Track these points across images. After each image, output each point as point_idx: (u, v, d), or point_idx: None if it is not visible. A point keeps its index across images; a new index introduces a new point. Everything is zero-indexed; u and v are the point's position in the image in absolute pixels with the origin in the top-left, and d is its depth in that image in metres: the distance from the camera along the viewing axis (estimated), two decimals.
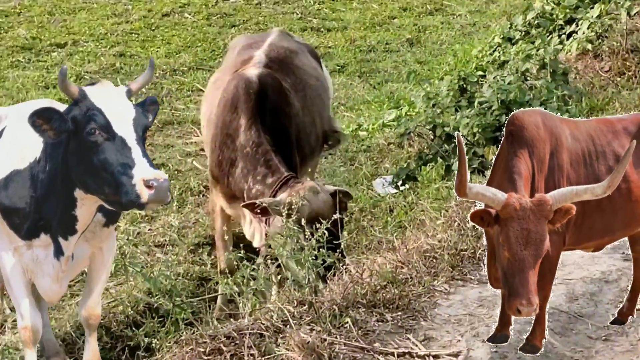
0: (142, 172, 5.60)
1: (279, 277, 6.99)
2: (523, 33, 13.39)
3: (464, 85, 10.11)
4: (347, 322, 6.38)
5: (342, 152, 11.59)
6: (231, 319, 6.71)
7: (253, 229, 7.64)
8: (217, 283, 7.35)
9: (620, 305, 6.83)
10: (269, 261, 7.41)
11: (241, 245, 7.42)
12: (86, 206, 6.16)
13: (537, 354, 6.30)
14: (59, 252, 6.40)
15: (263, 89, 7.70)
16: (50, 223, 6.32)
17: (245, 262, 6.90)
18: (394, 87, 14.51)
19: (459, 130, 9.19)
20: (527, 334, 6.33)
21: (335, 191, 7.51)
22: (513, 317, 6.31)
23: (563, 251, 6.36)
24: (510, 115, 6.41)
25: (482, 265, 7.30)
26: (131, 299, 7.95)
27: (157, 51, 15.87)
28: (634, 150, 5.92)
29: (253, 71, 7.90)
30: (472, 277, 7.22)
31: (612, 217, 6.34)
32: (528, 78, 10.24)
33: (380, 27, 17.64)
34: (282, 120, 7.87)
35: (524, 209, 5.63)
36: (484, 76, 11.66)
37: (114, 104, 5.85)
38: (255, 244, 7.67)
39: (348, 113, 13.33)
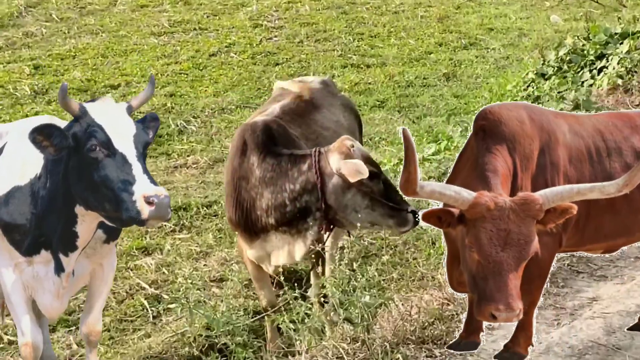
0: (142, 189, 5.52)
1: (332, 314, 7.08)
2: (555, 69, 13.49)
3: None
4: (399, 358, 6.48)
5: None
6: (288, 356, 6.84)
7: (287, 251, 7.61)
8: (273, 321, 7.43)
9: None
10: (322, 299, 7.51)
11: (295, 282, 7.55)
12: (87, 222, 6.09)
13: None
14: (59, 269, 6.33)
15: (268, 131, 7.56)
16: (50, 239, 6.22)
17: (299, 300, 7.03)
18: (432, 121, 14.54)
19: None
20: (507, 341, 6.03)
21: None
22: (486, 323, 5.92)
23: (561, 253, 5.92)
24: (481, 109, 5.86)
25: None
26: (191, 335, 8.04)
27: (206, 90, 16.03)
28: None
29: (258, 119, 7.86)
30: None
31: (630, 218, 5.84)
32: None
33: (417, 62, 17.77)
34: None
35: (501, 209, 5.06)
36: None
37: (115, 121, 5.75)
38: (298, 258, 7.52)
39: (389, 147, 13.37)
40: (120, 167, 5.61)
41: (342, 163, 7.03)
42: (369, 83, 16.54)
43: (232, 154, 7.71)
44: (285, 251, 7.52)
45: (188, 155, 13.30)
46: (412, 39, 18.96)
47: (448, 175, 10.03)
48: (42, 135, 5.73)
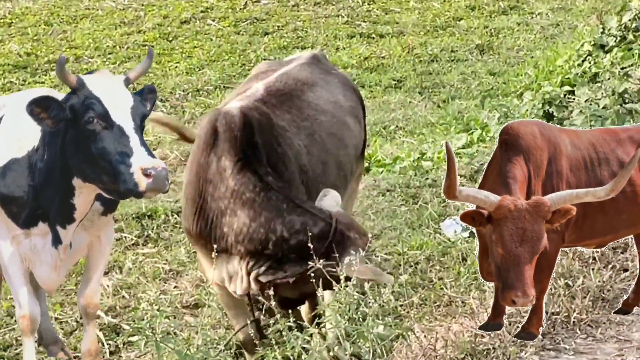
0: (140, 161, 6.43)
1: (336, 349, 7.08)
2: (618, 39, 13.45)
3: (550, 110, 10.21)
4: None
5: (403, 188, 11.62)
6: None
7: (246, 282, 7.60)
8: (262, 357, 7.45)
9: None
10: (323, 330, 7.49)
11: (290, 312, 7.54)
12: (84, 195, 7.03)
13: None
14: (57, 241, 7.28)
15: (247, 124, 7.45)
16: (48, 212, 7.19)
17: (295, 332, 7.03)
18: (462, 106, 14.64)
19: None
20: (523, 323, 7.70)
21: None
22: (508, 308, 7.70)
23: (563, 248, 7.93)
24: (504, 125, 7.90)
25: (578, 331, 7.47)
26: None
27: (176, 67, 16.11)
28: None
29: (235, 104, 7.78)
30: (567, 346, 7.50)
31: (616, 218, 7.84)
32: (627, 100, 10.32)
33: (443, 30, 17.91)
34: (275, 160, 7.84)
35: (519, 210, 6.96)
36: (572, 92, 11.75)
37: (112, 93, 6.73)
38: (256, 291, 7.66)
39: (408, 138, 13.40)
40: (118, 140, 6.57)
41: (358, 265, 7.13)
42: (383, 57, 16.63)
43: (199, 148, 7.62)
44: (244, 281, 7.55)
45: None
46: (437, 2, 19.05)
47: (482, 174, 10.31)
48: (39, 108, 6.66)
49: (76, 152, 6.79)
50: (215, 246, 7.42)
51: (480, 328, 7.88)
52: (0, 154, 7.34)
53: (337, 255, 7.13)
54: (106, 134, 6.60)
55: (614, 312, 8.43)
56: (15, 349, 8.79)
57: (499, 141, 7.80)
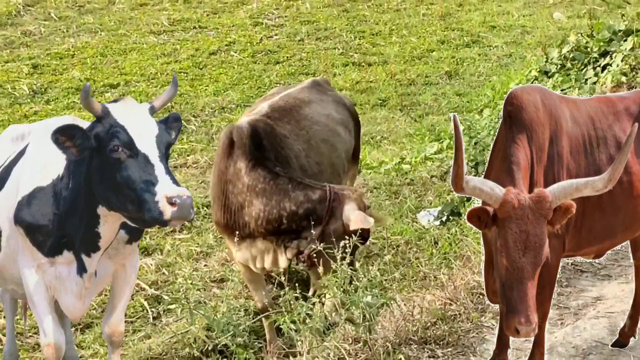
0: (165, 189, 5.53)
1: (333, 314, 7.07)
2: (559, 66, 13.45)
3: None
4: (401, 359, 6.48)
5: (387, 186, 11.64)
6: (290, 357, 6.85)
7: (272, 257, 7.62)
8: (275, 321, 7.42)
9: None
10: (324, 299, 7.49)
11: (296, 282, 7.56)
12: (109, 223, 6.11)
13: None
14: (82, 269, 6.34)
15: (255, 133, 7.60)
16: (73, 240, 6.23)
17: (301, 301, 7.03)
18: (434, 120, 14.57)
19: None
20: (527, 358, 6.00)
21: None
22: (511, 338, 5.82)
23: (562, 258, 5.81)
24: (509, 92, 5.74)
25: None
26: (191, 335, 8.03)
27: (206, 89, 16.03)
28: (635, 135, 5.16)
29: (244, 119, 7.88)
30: None
31: (614, 217, 5.76)
32: None
33: (419, 60, 17.79)
34: (281, 161, 7.86)
35: (523, 207, 5.00)
36: None
37: (137, 121, 5.80)
38: (283, 265, 7.66)
39: (391, 146, 13.39)
40: (143, 168, 5.63)
41: (354, 212, 7.22)
42: (371, 81, 16.54)
43: (219, 156, 7.74)
44: (270, 257, 7.61)
45: (188, 155, 13.27)
46: (414, 37, 19.00)
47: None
48: (64, 136, 5.75)
49: (101, 180, 5.84)
50: (237, 232, 7.47)
51: None
52: (26, 183, 6.35)
53: (338, 210, 7.32)
54: (131, 163, 5.66)
55: (611, 346, 6.64)
56: None
57: (503, 113, 5.66)
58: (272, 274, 8.13)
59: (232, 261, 8.57)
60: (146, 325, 8.75)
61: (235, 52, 17.90)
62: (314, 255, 7.14)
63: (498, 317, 6.41)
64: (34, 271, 6.41)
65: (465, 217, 5.28)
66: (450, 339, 6.87)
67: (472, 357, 6.71)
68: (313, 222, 7.32)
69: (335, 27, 19.33)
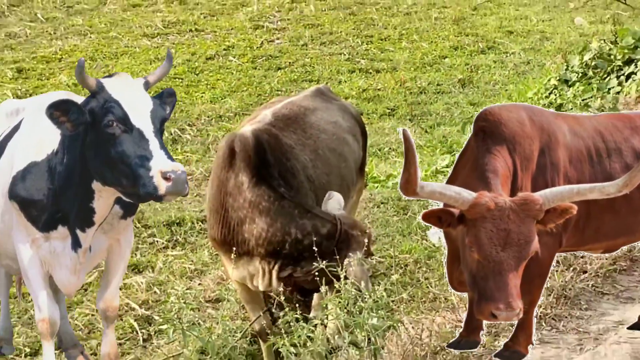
0: (159, 164, 5.78)
1: (336, 337, 7.05)
2: (580, 74, 13.46)
3: None
4: None
5: (395, 201, 11.64)
6: None
7: (267, 279, 7.57)
8: (273, 344, 7.42)
9: None
10: (326, 321, 7.48)
11: (297, 304, 7.54)
12: (104, 198, 6.40)
13: None
14: (76, 244, 6.66)
15: (259, 145, 7.59)
16: (67, 215, 6.53)
17: (301, 323, 7.02)
18: (446, 131, 14.54)
19: None
20: (507, 340, 6.36)
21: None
22: (486, 322, 6.27)
23: (562, 252, 6.37)
24: (481, 111, 6.26)
25: (543, 324, 7.42)
26: (184, 359, 7.99)
27: (202, 96, 16.02)
28: None
29: (247, 128, 7.88)
30: (535, 338, 7.19)
31: (630, 218, 6.25)
32: None
33: (430, 67, 17.79)
34: (285, 173, 7.81)
35: (502, 209, 5.47)
36: None
37: (132, 96, 6.01)
38: (276, 287, 7.59)
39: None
40: (137, 143, 5.88)
41: (356, 268, 7.20)
42: (379, 89, 16.53)
43: (219, 166, 7.69)
44: (266, 279, 7.59)
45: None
46: (425, 42, 19.01)
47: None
48: (59, 111, 5.99)
49: (95, 155, 6.12)
50: (234, 249, 7.47)
51: (449, 346, 6.76)
52: (20, 158, 6.66)
53: (343, 252, 7.25)
54: (125, 138, 5.91)
55: (628, 328, 7.14)
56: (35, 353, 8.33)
57: (474, 129, 6.15)
58: (272, 294, 8.11)
59: (228, 280, 8.56)
60: (136, 348, 8.76)
61: (234, 57, 17.92)
62: (299, 279, 7.29)
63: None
64: (28, 246, 6.73)
65: (421, 217, 5.88)
66: None
67: (471, 357, 6.71)
68: (313, 255, 7.32)
69: (341, 32, 19.34)
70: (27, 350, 8.45)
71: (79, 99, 6.41)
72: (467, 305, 6.64)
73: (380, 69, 17.60)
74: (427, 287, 8.88)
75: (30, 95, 15.73)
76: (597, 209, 6.06)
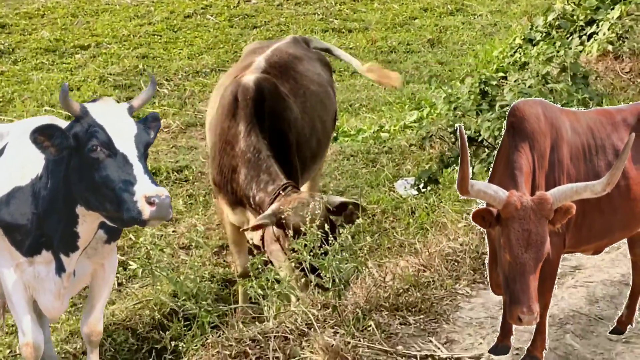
0: (143, 189, 5.55)
1: (302, 280, 7.00)
2: (544, 34, 13.38)
3: (485, 89, 10.14)
4: (371, 326, 6.41)
5: (364, 154, 11.61)
6: (256, 322, 6.72)
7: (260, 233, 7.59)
8: (242, 286, 7.38)
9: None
10: (293, 264, 7.43)
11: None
12: (88, 223, 6.13)
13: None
14: (60, 269, 6.36)
15: (260, 94, 7.64)
16: (51, 240, 6.26)
17: (269, 265, 6.96)
18: (415, 88, 14.51)
19: (479, 134, 9.19)
20: (528, 345, 6.13)
21: (342, 203, 7.50)
22: (514, 327, 6.10)
23: (562, 254, 6.14)
24: (511, 105, 6.14)
25: None
26: (157, 301, 7.94)
27: (180, 53, 15.91)
28: (633, 143, 5.63)
29: (250, 77, 7.88)
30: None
31: (611, 217, 6.14)
32: (549, 81, 10.22)
33: (401, 27, 17.71)
34: (280, 124, 7.87)
35: (525, 208, 5.39)
36: (505, 78, 11.69)
37: (116, 121, 5.82)
38: (251, 241, 7.76)
39: (370, 114, 13.34)
40: (122, 168, 5.65)
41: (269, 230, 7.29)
42: (351, 48, 16.39)
43: (222, 114, 7.72)
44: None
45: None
46: (396, 4, 18.90)
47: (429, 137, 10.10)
48: (43, 136, 5.77)
49: (79, 180, 5.87)
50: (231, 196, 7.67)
51: (489, 352, 6.31)
52: (4, 182, 6.36)
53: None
54: (110, 162, 5.68)
55: (609, 333, 6.70)
56: None
57: (507, 124, 6.05)
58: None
59: (221, 223, 8.54)
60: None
61: (212, 16, 17.77)
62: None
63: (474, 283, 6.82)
64: (12, 270, 6.43)
65: (470, 217, 5.67)
66: (422, 306, 6.79)
67: (444, 325, 6.65)
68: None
69: None
70: None
71: (63, 123, 6.23)
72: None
73: (352, 29, 17.51)
74: (394, 235, 8.82)
75: (13, 49, 15.65)
76: (589, 208, 5.95)
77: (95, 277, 6.76)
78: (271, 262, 7.20)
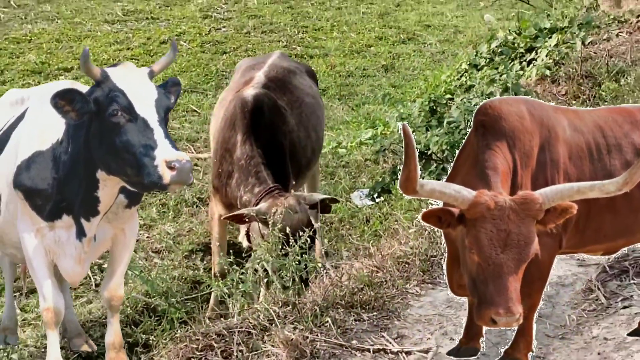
0: (164, 154, 5.26)
1: (265, 280, 6.93)
2: (488, 60, 13.41)
3: (434, 107, 10.08)
4: (328, 321, 6.37)
5: (323, 168, 11.54)
6: (222, 319, 6.71)
7: (243, 233, 7.66)
8: (209, 286, 7.29)
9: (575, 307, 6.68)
10: (257, 265, 7.37)
11: (231, 251, 7.47)
12: (108, 187, 5.80)
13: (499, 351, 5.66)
14: (81, 234, 6.03)
15: (258, 107, 7.65)
16: (72, 204, 5.94)
17: (234, 266, 6.90)
18: (370, 109, 14.51)
19: (429, 148, 9.14)
20: (506, 347, 5.59)
21: (321, 199, 7.52)
22: (486, 328, 5.50)
23: (562, 254, 5.55)
24: (481, 104, 5.34)
25: None
26: (130, 299, 7.82)
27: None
28: None
29: (250, 91, 7.86)
30: (441, 281, 7.08)
31: (631, 218, 5.40)
32: None
33: (358, 54, 17.67)
34: (276, 136, 7.87)
35: (502, 208, 4.64)
36: (452, 99, 11.68)
37: (136, 86, 5.48)
38: (244, 245, 7.71)
39: (329, 132, 13.26)
40: (142, 132, 5.34)
41: (254, 225, 7.35)
42: None
43: (225, 125, 7.78)
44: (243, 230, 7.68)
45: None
46: (354, 33, 18.87)
47: (382, 151, 10.01)
48: (64, 100, 5.46)
49: (100, 144, 5.54)
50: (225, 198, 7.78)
51: (449, 353, 5.78)
52: (25, 147, 6.05)
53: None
54: (130, 127, 5.35)
55: (628, 335, 6.07)
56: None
57: (474, 123, 5.24)
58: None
59: (209, 223, 8.53)
60: (88, 292, 8.67)
61: (185, 42, 17.66)
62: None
63: (424, 283, 6.68)
64: (33, 235, 6.12)
65: (420, 217, 4.93)
66: (375, 304, 6.73)
67: (396, 321, 6.57)
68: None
69: (280, 22, 19.16)
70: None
71: (84, 88, 5.86)
72: (467, 310, 5.78)
73: (313, 55, 17.45)
74: (350, 241, 8.79)
75: (2, 71, 15.58)
76: (597, 209, 5.21)
77: (115, 242, 6.46)
78: (239, 263, 7.13)
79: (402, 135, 4.66)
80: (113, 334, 6.62)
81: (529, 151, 5.14)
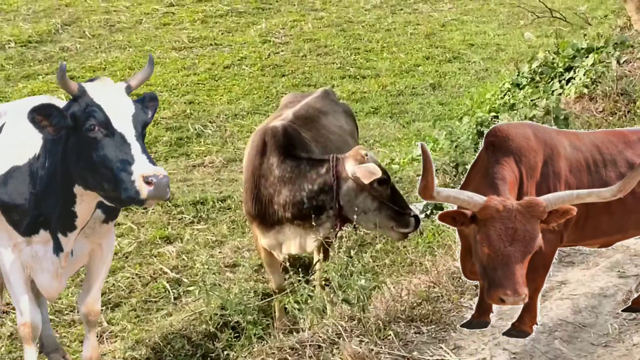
0: (141, 168, 4.99)
1: (332, 296, 7.07)
2: (529, 79, 13.44)
3: (481, 129, 10.19)
4: (390, 335, 6.48)
5: None
6: (293, 333, 6.84)
7: (299, 242, 7.58)
8: (277, 301, 7.42)
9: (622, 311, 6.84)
10: (324, 282, 7.53)
11: (299, 268, 7.56)
12: (85, 202, 5.55)
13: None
14: (58, 249, 5.78)
15: (286, 136, 7.60)
16: (49, 219, 5.67)
17: (304, 284, 7.03)
18: (420, 126, 14.55)
19: None
20: (514, 321, 6.15)
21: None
22: (496, 306, 6.04)
23: (564, 247, 6.09)
24: (491, 127, 5.90)
25: None
26: (207, 314, 8.01)
27: (221, 98, 15.99)
28: None
29: (277, 123, 7.85)
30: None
31: (624, 218, 5.96)
32: (534, 122, 10.27)
33: (407, 73, 17.72)
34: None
35: (509, 210, 5.17)
36: (496, 117, 11.74)
37: (114, 100, 5.19)
38: (310, 249, 7.66)
39: (382, 149, 13.37)
40: (119, 147, 5.07)
41: (356, 168, 7.08)
42: (364, 92, 16.50)
43: (253, 154, 7.71)
44: (297, 242, 7.57)
45: (205, 156, 13.32)
46: (403, 53, 18.92)
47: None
48: (41, 115, 5.21)
49: (77, 159, 5.25)
50: (267, 220, 7.55)
51: (463, 325, 6.38)
52: (2, 162, 5.76)
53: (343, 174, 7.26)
54: (107, 142, 5.06)
55: (622, 310, 6.77)
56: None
57: (485, 143, 5.77)
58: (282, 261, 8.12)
59: (256, 248, 8.54)
60: (168, 305, 8.79)
61: (247, 66, 17.83)
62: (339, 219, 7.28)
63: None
64: (10, 250, 5.90)
65: (437, 217, 5.49)
66: (433, 317, 6.85)
67: (452, 333, 6.68)
68: (326, 192, 7.30)
69: (334, 45, 19.27)
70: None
71: (61, 103, 5.65)
72: (478, 292, 6.31)
73: (365, 75, 17.53)
74: (405, 254, 8.85)
75: None
76: (594, 211, 5.79)
77: (93, 257, 6.21)
78: (306, 280, 7.20)
79: (421, 152, 5.22)
80: (90, 348, 6.44)
81: (534, 165, 5.67)
